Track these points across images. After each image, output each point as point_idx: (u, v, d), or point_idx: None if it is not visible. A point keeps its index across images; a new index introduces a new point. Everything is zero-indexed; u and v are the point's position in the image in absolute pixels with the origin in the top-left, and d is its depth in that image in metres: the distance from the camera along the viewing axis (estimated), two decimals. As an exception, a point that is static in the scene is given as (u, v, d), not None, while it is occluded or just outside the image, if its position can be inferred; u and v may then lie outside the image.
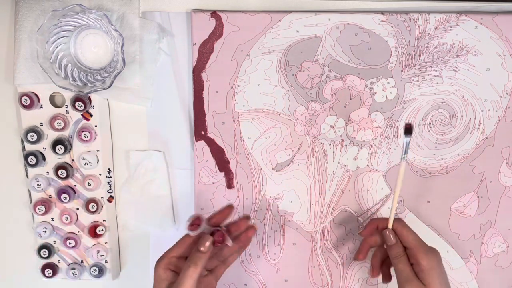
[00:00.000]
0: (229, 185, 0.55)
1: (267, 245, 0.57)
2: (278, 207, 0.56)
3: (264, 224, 0.56)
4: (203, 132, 0.54)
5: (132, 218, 0.57)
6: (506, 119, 0.54)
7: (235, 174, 0.55)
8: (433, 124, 0.54)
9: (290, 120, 0.54)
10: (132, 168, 0.55)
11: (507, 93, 0.53)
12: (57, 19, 0.48)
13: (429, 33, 0.51)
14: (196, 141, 0.54)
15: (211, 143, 0.54)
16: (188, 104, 0.54)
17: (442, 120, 0.54)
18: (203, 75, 0.52)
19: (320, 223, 0.56)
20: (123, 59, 0.49)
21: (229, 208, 0.48)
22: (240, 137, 0.54)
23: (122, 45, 0.48)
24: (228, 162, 0.55)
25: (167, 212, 0.56)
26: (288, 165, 0.55)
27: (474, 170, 0.55)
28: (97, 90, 0.49)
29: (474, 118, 0.54)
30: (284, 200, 0.56)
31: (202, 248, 0.42)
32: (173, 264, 0.44)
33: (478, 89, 0.53)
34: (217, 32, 0.51)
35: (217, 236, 0.44)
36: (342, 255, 0.57)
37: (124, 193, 0.56)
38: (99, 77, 0.50)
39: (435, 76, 0.53)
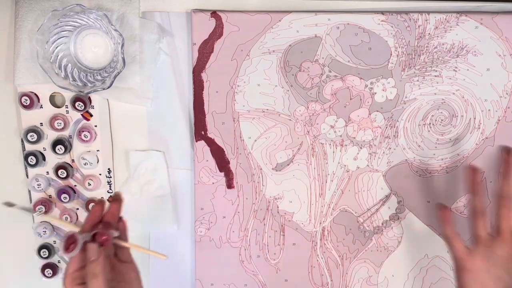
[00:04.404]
0: (229, 185, 0.55)
1: (267, 245, 0.57)
2: (278, 207, 0.56)
3: (264, 224, 0.56)
4: (203, 132, 0.54)
5: (132, 218, 0.57)
6: (506, 119, 0.54)
7: (235, 174, 0.55)
8: (433, 124, 0.54)
9: (290, 120, 0.54)
10: (132, 168, 0.55)
11: (507, 93, 0.53)
12: (57, 19, 0.48)
13: (429, 33, 0.51)
14: (196, 141, 0.54)
15: (211, 143, 0.54)
16: (188, 104, 0.54)
17: (442, 120, 0.54)
18: (203, 75, 0.52)
19: (320, 223, 0.56)
20: (123, 59, 0.48)
21: (99, 205, 0.45)
22: (240, 137, 0.54)
23: (122, 45, 0.48)
24: (228, 162, 0.54)
25: (167, 212, 0.56)
26: (288, 165, 0.55)
27: (474, 170, 0.55)
28: (97, 90, 0.49)
29: (474, 118, 0.54)
30: (284, 200, 0.56)
31: (93, 258, 0.40)
32: (79, 277, 0.42)
33: (478, 89, 0.53)
34: (217, 32, 0.51)
35: (100, 237, 0.42)
36: (342, 255, 0.57)
37: (124, 193, 0.56)
38: (99, 77, 0.50)
39: (435, 76, 0.53)
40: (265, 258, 0.57)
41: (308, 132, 0.54)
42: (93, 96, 0.52)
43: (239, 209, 0.56)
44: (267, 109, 0.53)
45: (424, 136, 0.54)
